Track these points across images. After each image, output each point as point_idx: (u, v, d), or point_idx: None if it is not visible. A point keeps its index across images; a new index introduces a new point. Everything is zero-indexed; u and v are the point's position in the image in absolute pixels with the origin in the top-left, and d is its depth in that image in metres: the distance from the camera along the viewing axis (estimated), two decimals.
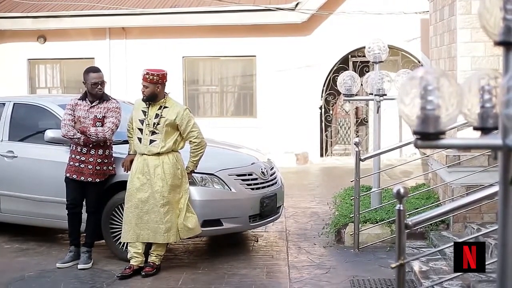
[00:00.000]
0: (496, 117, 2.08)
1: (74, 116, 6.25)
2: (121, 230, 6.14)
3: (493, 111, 2.10)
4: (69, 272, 6.14)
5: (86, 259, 6.28)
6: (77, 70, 14.22)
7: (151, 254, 6.10)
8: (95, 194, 6.31)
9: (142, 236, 5.98)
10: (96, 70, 6.43)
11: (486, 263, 3.21)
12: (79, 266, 6.23)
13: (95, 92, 6.27)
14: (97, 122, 6.22)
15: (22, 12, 14.40)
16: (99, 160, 6.25)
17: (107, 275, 6.04)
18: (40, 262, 6.52)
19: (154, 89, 6.00)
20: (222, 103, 14.75)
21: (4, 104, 7.39)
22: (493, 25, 2.01)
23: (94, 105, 6.29)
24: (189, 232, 6.07)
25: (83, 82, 6.42)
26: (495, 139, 2.07)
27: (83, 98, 6.35)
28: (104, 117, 6.25)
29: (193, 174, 6.25)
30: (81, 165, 6.23)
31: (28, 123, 7.33)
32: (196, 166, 6.20)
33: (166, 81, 6.11)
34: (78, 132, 6.17)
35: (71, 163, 6.27)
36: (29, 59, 15.03)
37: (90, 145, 6.23)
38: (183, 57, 14.48)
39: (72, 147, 6.32)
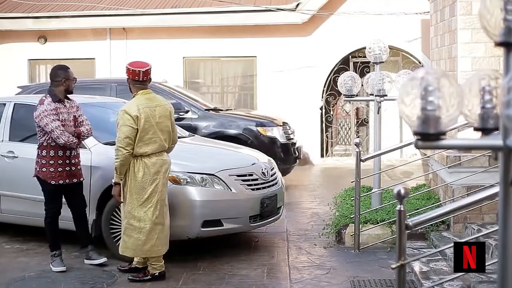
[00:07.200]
0: (496, 118, 2.09)
1: (61, 121, 6.11)
2: (121, 230, 6.12)
3: (493, 112, 2.10)
4: (69, 273, 6.14)
5: (98, 255, 6.34)
6: (78, 71, 14.22)
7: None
8: (82, 193, 6.35)
9: None
10: (66, 67, 6.31)
11: (487, 263, 3.21)
12: (96, 262, 6.26)
13: (73, 87, 6.24)
14: (75, 122, 6.24)
15: (23, 12, 14.41)
16: (79, 158, 6.33)
17: (107, 275, 6.04)
18: (41, 262, 6.52)
19: None
20: (222, 103, 14.74)
21: (4, 104, 7.40)
22: (493, 26, 2.01)
23: (66, 105, 6.22)
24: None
25: (60, 80, 6.14)
26: (495, 139, 2.07)
27: (55, 100, 6.11)
28: (78, 115, 6.28)
29: (193, 174, 6.26)
30: (72, 168, 6.23)
31: (28, 124, 7.30)
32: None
33: None
34: (74, 136, 6.16)
35: (60, 169, 6.13)
36: (29, 60, 15.04)
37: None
38: (183, 57, 14.48)
39: (56, 153, 6.10)
